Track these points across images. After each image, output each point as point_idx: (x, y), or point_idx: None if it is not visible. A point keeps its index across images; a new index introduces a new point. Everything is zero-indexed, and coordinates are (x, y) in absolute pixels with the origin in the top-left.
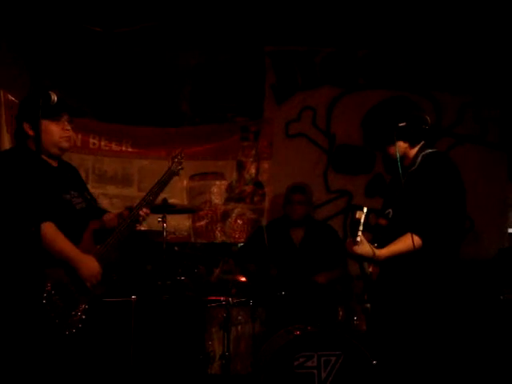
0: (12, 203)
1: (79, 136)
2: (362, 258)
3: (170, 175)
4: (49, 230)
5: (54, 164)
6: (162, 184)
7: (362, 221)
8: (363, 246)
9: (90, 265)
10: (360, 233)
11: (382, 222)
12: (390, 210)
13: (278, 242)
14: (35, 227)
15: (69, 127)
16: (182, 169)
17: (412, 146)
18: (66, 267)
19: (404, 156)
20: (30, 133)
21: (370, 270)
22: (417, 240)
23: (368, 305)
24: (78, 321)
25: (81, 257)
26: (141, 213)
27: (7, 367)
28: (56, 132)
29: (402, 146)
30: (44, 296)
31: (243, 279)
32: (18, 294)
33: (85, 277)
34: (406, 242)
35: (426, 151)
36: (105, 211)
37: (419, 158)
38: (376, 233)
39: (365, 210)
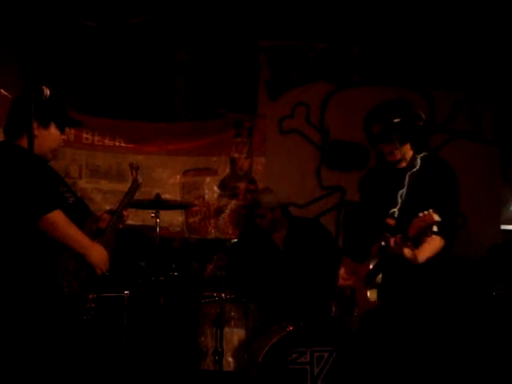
0: (21, 193)
1: (72, 131)
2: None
3: (135, 188)
4: (61, 216)
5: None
6: (130, 195)
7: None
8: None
9: (100, 252)
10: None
11: (391, 222)
12: (396, 210)
13: (262, 246)
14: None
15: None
16: (140, 182)
17: (412, 147)
18: (75, 254)
19: (402, 157)
20: (36, 132)
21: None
22: (441, 241)
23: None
24: (90, 308)
25: (92, 244)
26: (124, 213)
27: (26, 352)
28: (58, 139)
29: (404, 147)
30: (65, 280)
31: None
32: (38, 280)
33: (95, 264)
34: (438, 245)
35: (422, 153)
36: (89, 210)
37: (418, 160)
38: (384, 233)
39: None
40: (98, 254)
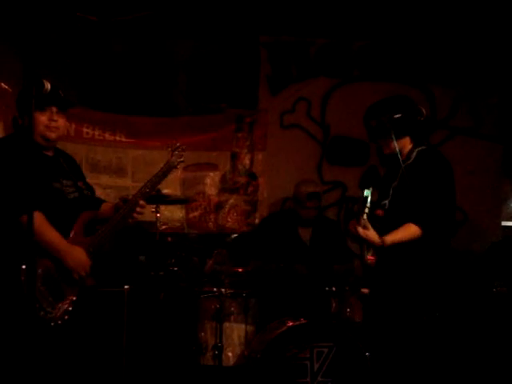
0: (1, 192)
1: (73, 125)
2: (364, 241)
3: (168, 168)
4: (36, 219)
5: (50, 154)
6: (161, 176)
7: (370, 199)
8: (369, 230)
9: (77, 256)
10: (367, 210)
11: (380, 212)
12: (386, 202)
13: (286, 239)
14: (28, 216)
15: (56, 118)
16: (182, 161)
17: (411, 140)
18: (53, 258)
19: (400, 151)
20: (20, 122)
21: (369, 257)
22: (417, 230)
23: (365, 290)
24: (64, 312)
25: (68, 248)
26: (140, 203)
27: None
28: (41, 122)
29: (402, 140)
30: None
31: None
32: (4, 285)
33: (72, 268)
34: (409, 231)
35: (420, 147)
36: (102, 201)
37: (414, 153)
38: (373, 223)
39: (370, 189)
40: (75, 258)
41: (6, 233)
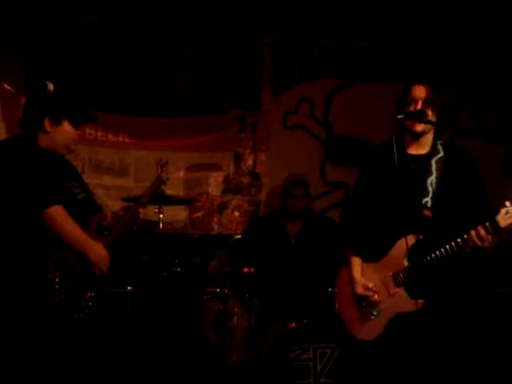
0: (23, 186)
1: None
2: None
3: (159, 184)
4: (60, 212)
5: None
6: (153, 191)
7: None
8: None
9: (99, 251)
10: None
11: (427, 212)
12: (428, 200)
13: (272, 236)
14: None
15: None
16: (168, 179)
17: (434, 133)
18: (75, 251)
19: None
20: (48, 128)
21: None
22: None
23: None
24: (86, 306)
25: (90, 242)
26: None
27: (16, 349)
28: (71, 134)
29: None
30: (57, 276)
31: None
32: (29, 275)
33: (94, 262)
34: None
35: (441, 140)
36: (100, 207)
37: (439, 147)
38: (422, 223)
39: None
40: (97, 252)
41: (29, 226)
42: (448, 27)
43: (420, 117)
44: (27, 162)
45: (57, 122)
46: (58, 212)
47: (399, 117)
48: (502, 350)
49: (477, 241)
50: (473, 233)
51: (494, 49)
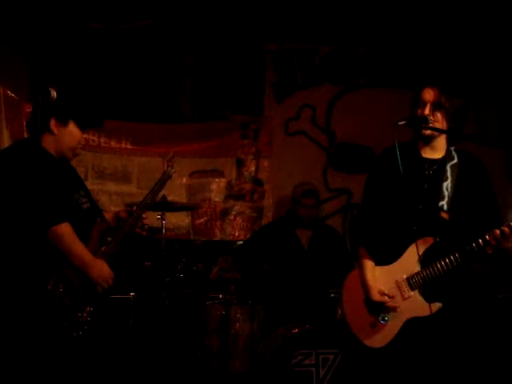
0: (33, 199)
1: None
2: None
3: (165, 178)
4: (67, 230)
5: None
6: (159, 187)
7: None
8: None
9: (101, 269)
10: None
11: (444, 215)
12: (444, 203)
13: (284, 243)
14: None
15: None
16: (174, 172)
17: (447, 137)
18: (75, 268)
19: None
20: (54, 129)
21: None
22: None
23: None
24: (84, 323)
25: (93, 261)
26: (143, 216)
27: (14, 367)
28: (77, 136)
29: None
30: (56, 297)
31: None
32: (28, 294)
33: (97, 281)
34: None
35: (453, 146)
36: (101, 212)
37: (453, 152)
38: (439, 226)
39: None
40: (99, 271)
41: (33, 243)
42: (448, 33)
43: (421, 123)
44: (37, 171)
45: (63, 123)
46: (65, 230)
47: (401, 123)
48: (505, 355)
49: (502, 240)
50: (497, 232)
51: (495, 54)
